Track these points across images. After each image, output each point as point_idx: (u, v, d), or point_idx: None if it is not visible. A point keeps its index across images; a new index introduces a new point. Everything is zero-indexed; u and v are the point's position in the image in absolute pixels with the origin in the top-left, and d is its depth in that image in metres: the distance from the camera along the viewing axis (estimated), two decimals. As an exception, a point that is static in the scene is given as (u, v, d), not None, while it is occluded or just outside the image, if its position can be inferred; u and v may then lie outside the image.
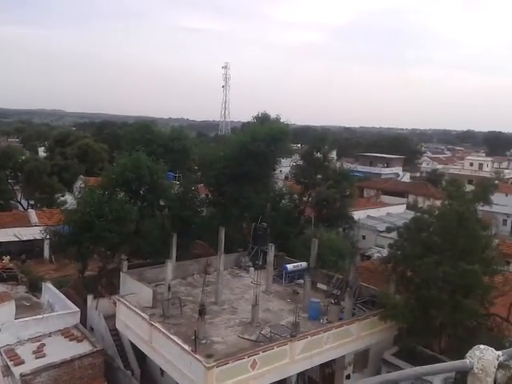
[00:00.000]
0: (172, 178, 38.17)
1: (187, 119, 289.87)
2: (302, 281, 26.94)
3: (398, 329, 21.93)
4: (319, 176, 40.00)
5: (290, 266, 28.54)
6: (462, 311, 19.36)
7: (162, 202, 32.61)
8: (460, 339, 20.14)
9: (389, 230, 25.98)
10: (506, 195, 62.66)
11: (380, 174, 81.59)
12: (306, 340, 20.10)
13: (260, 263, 30.36)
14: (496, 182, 69.70)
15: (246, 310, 24.00)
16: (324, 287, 27.22)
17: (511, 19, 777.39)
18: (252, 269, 29.73)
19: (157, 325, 20.76)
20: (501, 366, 2.53)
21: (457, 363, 2.61)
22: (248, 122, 42.08)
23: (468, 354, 2.46)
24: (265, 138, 31.24)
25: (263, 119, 37.42)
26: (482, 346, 2.49)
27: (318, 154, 40.04)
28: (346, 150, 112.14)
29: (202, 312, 21.02)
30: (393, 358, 21.79)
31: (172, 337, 19.54)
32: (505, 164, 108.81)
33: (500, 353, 2.50)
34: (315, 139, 41.89)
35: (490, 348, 2.48)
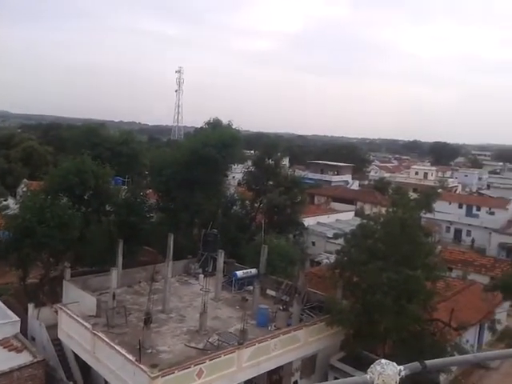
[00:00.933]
0: (120, 182, 37.26)
1: (139, 123, 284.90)
2: (251, 287, 26.87)
3: (345, 334, 22.24)
4: (271, 183, 40.25)
5: (239, 273, 28.42)
6: (406, 316, 19.85)
7: (108, 208, 31.73)
8: (404, 344, 20.64)
9: (336, 236, 26.41)
10: (450, 203, 65.23)
11: (330, 182, 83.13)
12: (253, 347, 20.01)
13: (210, 270, 30.06)
14: (439, 190, 72.68)
15: (194, 318, 23.72)
16: (273, 293, 27.28)
17: (456, 34, 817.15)
18: (201, 276, 29.38)
19: (100, 334, 20.11)
20: (402, 381, 2.49)
21: (358, 379, 2.56)
22: (201, 128, 41.74)
23: (369, 370, 2.42)
24: (216, 143, 31.08)
25: (215, 125, 37.29)
26: (383, 361, 2.45)
27: (270, 161, 40.32)
28: (299, 158, 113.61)
29: (147, 321, 20.60)
30: (339, 363, 22.07)
31: (116, 346, 18.98)
32: (449, 173, 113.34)
33: (402, 367, 2.46)
34: (267, 146, 42.17)
35: (391, 363, 2.44)
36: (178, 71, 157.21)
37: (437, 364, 2.81)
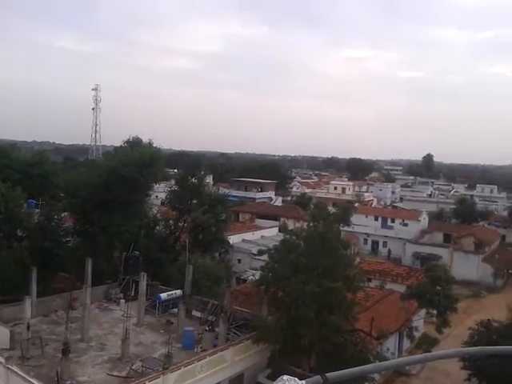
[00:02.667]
0: (33, 205, 35.11)
1: (53, 142, 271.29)
2: (176, 310, 26.23)
3: (271, 350, 22.26)
4: (194, 201, 39.89)
5: (163, 295, 27.67)
6: (329, 328, 20.29)
7: (20, 233, 29.73)
8: (328, 356, 21.03)
9: (260, 252, 26.57)
10: (366, 216, 68.29)
11: (254, 199, 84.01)
12: (178, 371, 19.49)
13: (132, 294, 29.00)
14: (357, 204, 76.06)
15: (116, 346, 22.83)
16: (199, 314, 26.81)
17: (369, 56, 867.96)
18: (123, 301, 28.20)
19: (14, 368, 18.71)
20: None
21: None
22: (120, 147, 40.58)
23: None
24: (135, 163, 30.31)
25: (134, 144, 36.42)
26: (285, 377, 2.41)
27: (194, 180, 40.04)
28: (222, 175, 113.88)
29: (65, 351, 19.64)
30: (266, 380, 21.98)
31: (32, 380, 17.79)
32: (364, 188, 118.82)
33: (303, 382, 2.43)
34: (190, 164, 41.90)
35: (293, 378, 2.40)
36: (95, 89, 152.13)
37: (338, 376, 2.81)
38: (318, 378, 2.59)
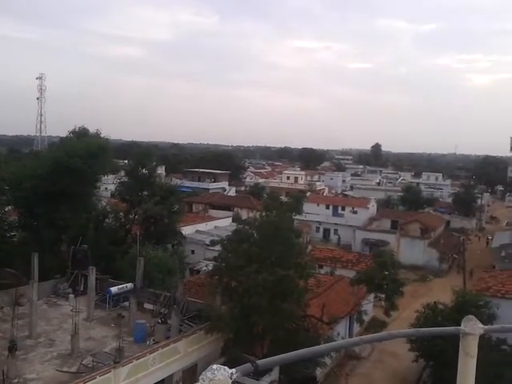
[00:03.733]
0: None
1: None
2: (127, 303, 25.83)
3: (224, 340, 22.36)
4: (145, 193, 39.23)
5: (114, 289, 27.13)
6: (281, 315, 20.58)
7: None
8: (281, 342, 21.35)
9: (213, 243, 26.54)
10: (318, 205, 69.51)
11: (208, 189, 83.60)
12: (130, 365, 19.21)
13: (81, 289, 28.30)
14: (309, 193, 77.22)
15: (66, 341, 22.28)
16: (151, 307, 26.51)
17: (318, 47, 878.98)
18: (72, 296, 27.48)
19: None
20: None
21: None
22: (66, 137, 39.17)
23: (201, 377, 2.36)
24: (82, 153, 29.35)
25: (81, 134, 35.22)
26: (214, 366, 2.42)
27: (144, 171, 39.32)
28: (175, 166, 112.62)
29: (12, 348, 19.05)
30: (220, 369, 22.05)
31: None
32: (316, 177, 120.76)
33: (233, 370, 2.45)
34: (140, 155, 41.04)
35: (222, 367, 2.42)
36: (40, 78, 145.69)
37: (269, 363, 2.85)
38: (248, 365, 2.60)
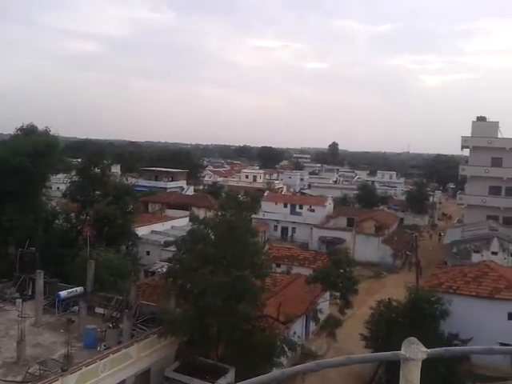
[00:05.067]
0: None
1: None
2: (78, 308, 24.90)
3: (179, 343, 21.87)
4: (98, 192, 38.06)
5: (63, 293, 26.07)
6: (237, 316, 20.28)
7: None
8: (236, 343, 21.09)
9: (166, 244, 25.95)
10: (276, 204, 69.71)
11: (165, 188, 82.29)
12: (79, 372, 18.46)
13: (29, 293, 27.07)
14: (267, 192, 77.34)
15: (12, 348, 21.19)
16: (103, 311, 25.64)
17: (277, 46, 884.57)
18: (19, 300, 26.18)
19: None
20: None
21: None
22: (13, 135, 37.46)
23: None
24: (29, 152, 28.07)
25: (29, 131, 33.73)
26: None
27: (96, 170, 38.14)
28: (131, 165, 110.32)
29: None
30: (174, 373, 21.58)
31: None
32: (275, 176, 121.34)
33: None
34: (92, 154, 39.84)
35: None
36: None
37: None
38: None
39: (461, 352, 3.61)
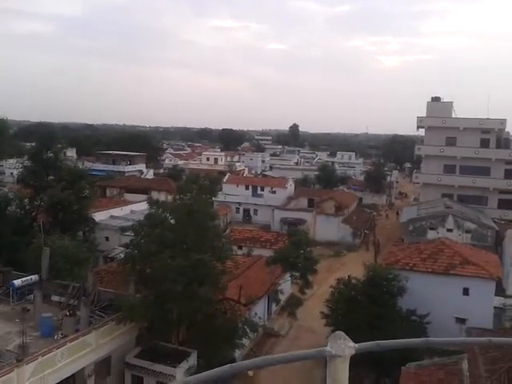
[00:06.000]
0: None
1: None
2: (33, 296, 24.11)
3: (139, 329, 21.58)
4: (51, 177, 36.83)
5: (18, 282, 25.13)
6: (198, 300, 20.13)
7: None
8: (198, 327, 21.00)
9: (123, 229, 25.40)
10: (237, 186, 69.56)
11: (124, 172, 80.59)
12: (36, 362, 17.93)
13: (-20, 283, 25.98)
14: (228, 174, 77.05)
15: (-37, 342, 20.29)
16: (59, 299, 24.94)
17: (236, 27, 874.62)
18: (-31, 291, 25.19)
19: None
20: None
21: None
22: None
23: None
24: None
25: (-26, 115, 32.11)
26: None
27: (49, 154, 36.81)
28: (88, 148, 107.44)
29: None
30: (135, 359, 21.35)
31: None
32: (236, 158, 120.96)
33: None
34: (44, 137, 38.42)
35: None
36: None
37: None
38: None
39: (393, 346, 3.12)
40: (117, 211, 47.75)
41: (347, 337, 2.73)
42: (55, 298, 24.91)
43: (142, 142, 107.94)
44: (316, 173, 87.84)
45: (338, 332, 2.77)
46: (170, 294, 19.82)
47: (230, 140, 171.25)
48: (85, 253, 28.78)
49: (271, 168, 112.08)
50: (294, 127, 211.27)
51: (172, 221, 22.46)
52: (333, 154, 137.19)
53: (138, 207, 51.07)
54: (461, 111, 63.37)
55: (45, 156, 36.09)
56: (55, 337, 21.05)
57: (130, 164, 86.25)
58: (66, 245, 27.73)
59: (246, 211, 67.15)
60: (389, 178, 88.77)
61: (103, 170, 76.27)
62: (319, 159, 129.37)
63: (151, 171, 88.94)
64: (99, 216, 42.86)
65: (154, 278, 21.09)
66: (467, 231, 47.48)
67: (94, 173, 66.57)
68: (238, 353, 24.57)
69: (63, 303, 24.11)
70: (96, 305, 23.27)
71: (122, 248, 37.12)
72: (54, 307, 23.98)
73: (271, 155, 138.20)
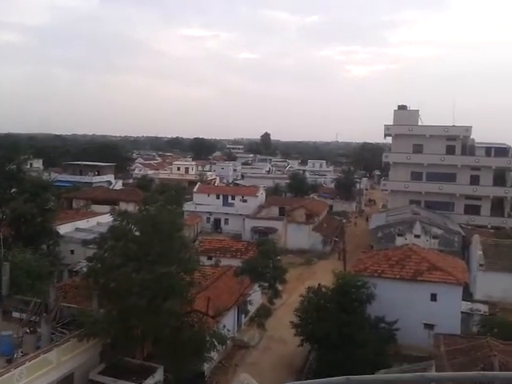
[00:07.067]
0: None
1: None
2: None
3: (102, 345, 20.90)
4: (15, 189, 35.77)
5: (-25, 299, 24.12)
6: (163, 315, 19.63)
7: None
8: (164, 342, 20.47)
9: (85, 242, 24.73)
10: (208, 195, 69.09)
11: (91, 183, 79.04)
12: (-9, 384, 17.09)
13: None
14: (199, 183, 76.54)
15: None
16: (20, 316, 24.00)
17: (205, 36, 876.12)
18: None
19: None
20: None
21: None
22: None
23: None
24: None
25: None
26: None
27: (12, 165, 35.77)
28: (55, 159, 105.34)
29: None
30: (99, 376, 20.65)
31: None
32: (208, 167, 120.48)
33: None
34: (7, 149, 37.34)
35: None
36: None
37: None
38: None
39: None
40: (83, 223, 46.58)
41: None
42: (16, 315, 23.96)
43: (111, 152, 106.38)
44: (287, 181, 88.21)
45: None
46: (134, 308, 19.26)
47: (201, 149, 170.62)
48: (47, 267, 27.88)
49: (243, 177, 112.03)
50: (266, 136, 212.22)
51: (137, 233, 21.93)
52: (304, 163, 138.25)
53: (104, 219, 49.92)
54: (427, 119, 64.81)
55: (7, 168, 35.03)
56: (15, 355, 20.24)
57: (97, 175, 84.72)
58: (28, 259, 26.81)
59: (217, 221, 66.69)
60: (358, 186, 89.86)
61: (70, 181, 74.66)
62: (291, 167, 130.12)
63: (120, 182, 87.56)
64: (64, 228, 41.77)
65: (118, 292, 20.46)
66: (434, 237, 48.33)
67: (60, 184, 65.15)
68: (206, 366, 24.11)
69: (24, 320, 23.18)
70: (58, 321, 22.49)
71: (88, 262, 36.28)
72: (15, 324, 23.06)
73: (243, 164, 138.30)
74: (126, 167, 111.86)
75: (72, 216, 48.87)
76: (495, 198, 59.32)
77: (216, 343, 21.72)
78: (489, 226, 55.99)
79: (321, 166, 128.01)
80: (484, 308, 31.83)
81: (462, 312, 29.83)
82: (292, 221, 58.68)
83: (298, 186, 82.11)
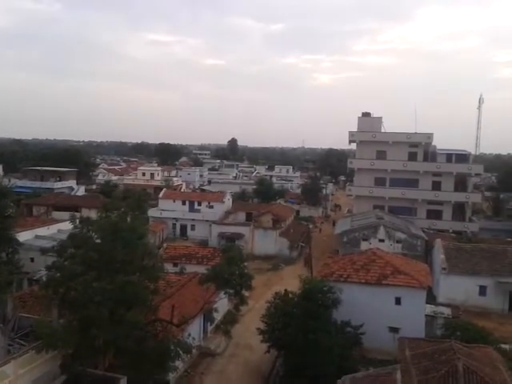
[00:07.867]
0: None
1: None
2: None
3: (63, 356, 20.14)
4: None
5: None
6: (125, 325, 19.05)
7: None
8: (126, 352, 19.87)
9: (43, 251, 23.91)
10: (174, 201, 68.23)
11: (53, 189, 76.77)
12: None
13: None
14: (164, 189, 75.57)
15: None
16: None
17: (170, 41, 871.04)
18: None
19: None
20: None
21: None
22: None
23: None
24: None
25: None
26: None
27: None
28: (14, 165, 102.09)
29: None
30: (59, 390, 19.89)
31: None
32: (174, 172, 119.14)
33: None
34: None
35: None
36: None
37: None
38: None
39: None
40: (43, 231, 45.18)
41: None
42: (-30, 328, 22.85)
43: (74, 157, 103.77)
44: (254, 187, 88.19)
45: None
46: (95, 318, 18.62)
47: (167, 155, 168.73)
48: (6, 275, 26.72)
49: (209, 182, 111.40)
50: (233, 142, 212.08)
51: (98, 240, 21.27)
52: (271, 168, 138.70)
53: (66, 226, 48.40)
54: (390, 126, 66.11)
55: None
56: (-32, 370, 19.23)
57: (59, 180, 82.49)
58: (-18, 269, 25.64)
59: (184, 227, 65.90)
60: (324, 191, 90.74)
61: (30, 187, 72.42)
62: (258, 173, 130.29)
63: (82, 187, 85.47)
64: (24, 236, 40.45)
65: (78, 301, 19.74)
66: (398, 241, 49.17)
67: (19, 190, 63.15)
68: (171, 375, 23.60)
69: (-22, 333, 22.16)
70: (16, 332, 21.64)
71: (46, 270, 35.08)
72: (-31, 338, 22.00)
73: (210, 170, 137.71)
74: (88, 173, 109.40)
75: (32, 223, 47.37)
76: (456, 203, 60.88)
77: (181, 352, 21.24)
78: (450, 231, 57.37)
79: (287, 171, 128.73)
80: (447, 311, 32.45)
81: (426, 315, 30.32)
82: (259, 226, 58.59)
83: (265, 192, 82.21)
